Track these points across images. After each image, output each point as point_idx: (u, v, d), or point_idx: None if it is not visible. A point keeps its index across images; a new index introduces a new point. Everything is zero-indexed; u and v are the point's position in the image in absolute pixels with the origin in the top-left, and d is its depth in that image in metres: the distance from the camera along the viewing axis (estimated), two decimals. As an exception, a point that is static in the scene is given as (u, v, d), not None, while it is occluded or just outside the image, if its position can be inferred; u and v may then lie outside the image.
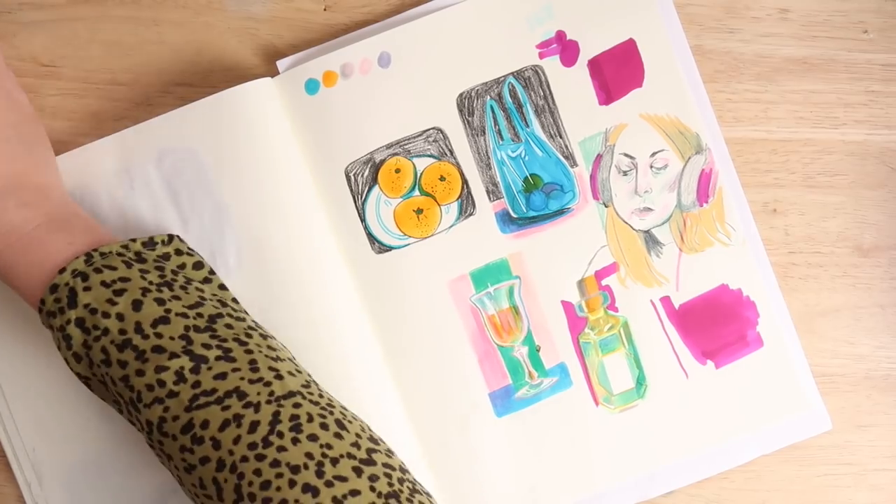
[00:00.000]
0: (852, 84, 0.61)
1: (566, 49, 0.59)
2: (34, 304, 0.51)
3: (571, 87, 0.59)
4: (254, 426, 0.47)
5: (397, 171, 0.59)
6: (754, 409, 0.59)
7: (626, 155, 0.59)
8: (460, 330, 0.59)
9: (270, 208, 0.58)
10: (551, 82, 0.59)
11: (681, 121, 0.59)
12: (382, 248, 0.59)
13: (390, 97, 0.59)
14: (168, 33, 0.60)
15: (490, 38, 0.59)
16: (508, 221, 0.59)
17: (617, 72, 0.59)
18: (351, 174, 0.59)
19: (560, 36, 0.60)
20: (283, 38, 0.60)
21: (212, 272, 0.54)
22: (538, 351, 0.59)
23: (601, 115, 0.59)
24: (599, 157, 0.60)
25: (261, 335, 0.52)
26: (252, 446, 0.47)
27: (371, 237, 0.59)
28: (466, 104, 0.59)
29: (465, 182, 0.59)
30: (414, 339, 0.59)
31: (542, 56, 0.59)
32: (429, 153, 0.59)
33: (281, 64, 0.60)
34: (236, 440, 0.47)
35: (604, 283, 0.59)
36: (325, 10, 0.60)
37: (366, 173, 0.59)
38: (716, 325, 0.59)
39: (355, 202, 0.59)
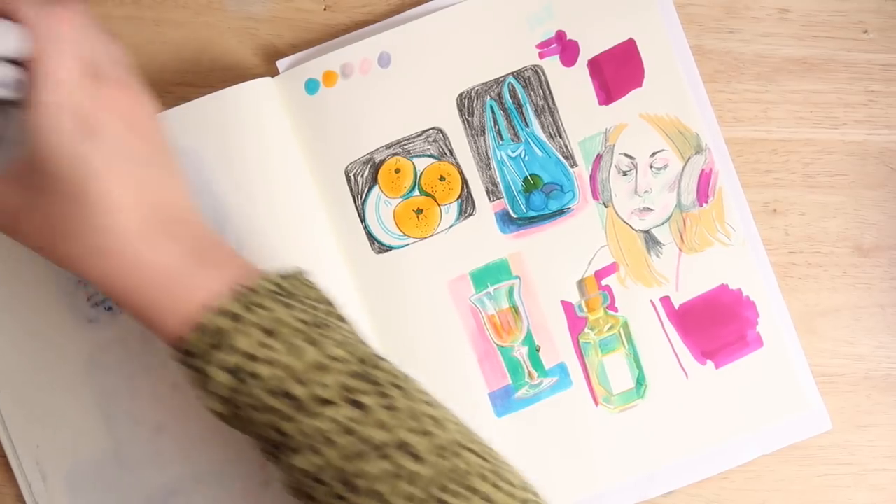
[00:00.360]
0: (852, 84, 0.61)
1: (566, 49, 0.59)
2: (171, 342, 0.48)
3: (571, 87, 0.59)
4: (416, 478, 0.45)
5: (397, 171, 0.59)
6: (754, 409, 0.59)
7: (626, 155, 0.60)
8: (460, 330, 0.59)
9: (270, 208, 0.58)
10: (551, 82, 0.59)
11: (681, 121, 0.59)
12: (382, 247, 0.59)
13: (390, 97, 0.59)
14: (168, 33, 0.60)
15: (490, 38, 0.59)
16: (508, 221, 0.59)
17: (617, 72, 0.59)
18: (351, 174, 0.59)
19: (560, 36, 0.60)
20: (283, 38, 0.60)
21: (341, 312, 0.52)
22: (538, 351, 0.59)
23: (601, 115, 0.59)
24: (599, 157, 0.60)
25: (406, 376, 0.49)
26: (411, 498, 0.45)
27: (371, 237, 0.59)
28: (466, 104, 0.59)
29: (464, 182, 0.59)
30: (414, 338, 0.59)
31: (542, 56, 0.60)
32: (429, 153, 0.59)
33: (281, 64, 0.60)
34: (398, 492, 0.45)
35: (603, 283, 0.59)
36: (325, 10, 0.60)
37: (366, 173, 0.59)
38: (716, 325, 0.59)
39: (355, 202, 0.59)
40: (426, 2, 0.60)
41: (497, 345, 0.59)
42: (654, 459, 0.59)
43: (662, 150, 0.59)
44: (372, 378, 0.47)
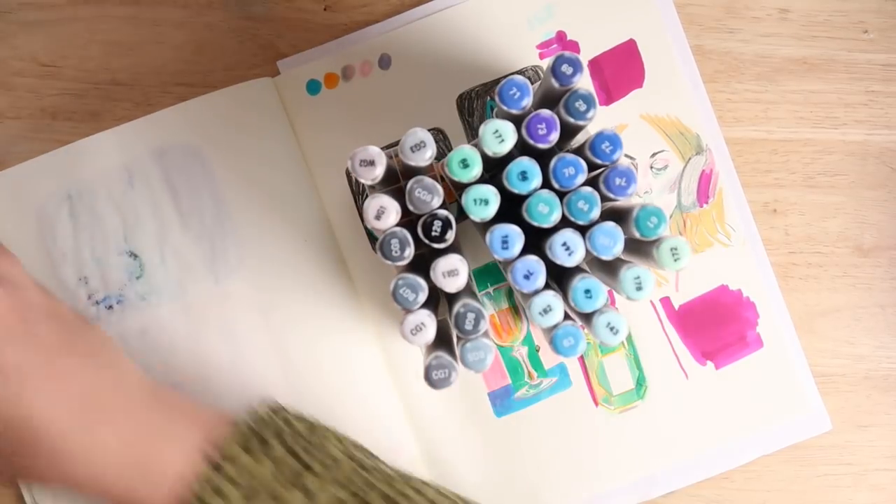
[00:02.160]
0: (852, 84, 0.61)
1: (566, 49, 0.59)
2: None
3: (571, 88, 0.59)
4: None
5: (397, 171, 0.59)
6: (754, 410, 0.59)
7: (627, 155, 0.59)
8: (460, 330, 0.59)
9: (271, 208, 0.58)
10: (551, 82, 0.59)
11: (681, 121, 0.59)
12: (382, 248, 0.59)
13: (391, 98, 0.59)
14: (168, 33, 0.60)
15: (490, 38, 0.59)
16: (508, 221, 0.59)
17: (617, 72, 0.59)
18: (351, 174, 0.59)
19: (560, 36, 0.59)
20: (284, 38, 0.60)
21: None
22: (538, 351, 0.59)
23: (601, 115, 0.59)
24: (599, 157, 0.60)
25: (409, 485, 0.49)
26: None
27: (371, 237, 0.59)
28: (466, 104, 0.59)
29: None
30: (414, 339, 0.59)
31: (542, 56, 0.59)
32: (429, 153, 0.59)
33: (282, 64, 0.60)
34: None
35: (604, 283, 0.59)
36: (325, 10, 0.60)
37: (366, 174, 0.59)
38: (716, 326, 0.59)
39: (356, 202, 0.59)
40: (426, 2, 0.60)
41: (497, 345, 0.59)
42: (655, 460, 0.59)
43: (663, 151, 0.59)
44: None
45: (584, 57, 0.59)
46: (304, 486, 0.47)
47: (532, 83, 0.59)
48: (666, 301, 0.59)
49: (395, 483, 0.48)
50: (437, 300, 0.50)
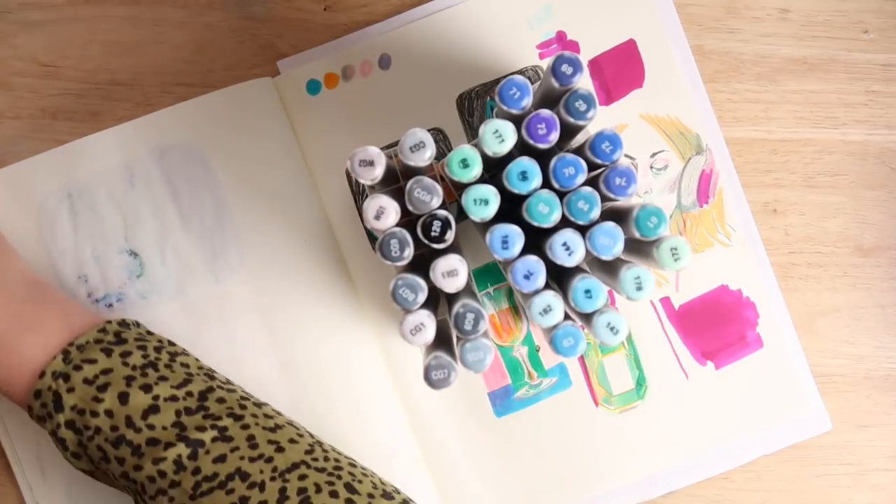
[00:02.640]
0: (852, 84, 0.61)
1: (566, 49, 0.59)
2: (24, 408, 0.51)
3: (571, 88, 0.59)
4: None
5: (397, 171, 0.59)
6: (754, 410, 0.59)
7: (627, 155, 0.59)
8: (460, 330, 0.59)
9: (271, 208, 0.58)
10: (551, 82, 0.59)
11: (681, 121, 0.59)
12: (382, 248, 0.59)
13: (391, 98, 0.59)
14: (168, 33, 0.60)
15: (490, 38, 0.59)
16: (508, 221, 0.59)
17: (617, 72, 0.59)
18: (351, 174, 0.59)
19: (560, 36, 0.59)
20: (283, 38, 0.60)
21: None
22: (538, 351, 0.59)
23: (601, 115, 0.59)
24: (599, 157, 0.59)
25: (255, 404, 0.51)
26: None
27: (371, 237, 0.59)
28: (466, 104, 0.59)
29: (465, 182, 0.59)
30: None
31: (542, 56, 0.59)
32: (429, 153, 0.59)
33: (282, 64, 0.60)
34: None
35: (604, 283, 0.59)
36: (325, 10, 0.60)
37: (366, 174, 0.59)
38: (716, 326, 0.59)
39: (356, 202, 0.59)
40: (426, 2, 0.60)
41: (497, 345, 0.59)
42: (655, 460, 0.59)
43: (663, 151, 0.59)
44: (208, 411, 0.48)
45: (584, 57, 0.59)
46: (149, 385, 0.49)
47: (532, 83, 0.59)
48: (666, 301, 0.59)
49: (240, 398, 0.51)
50: (437, 300, 0.50)
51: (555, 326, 0.46)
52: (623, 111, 0.59)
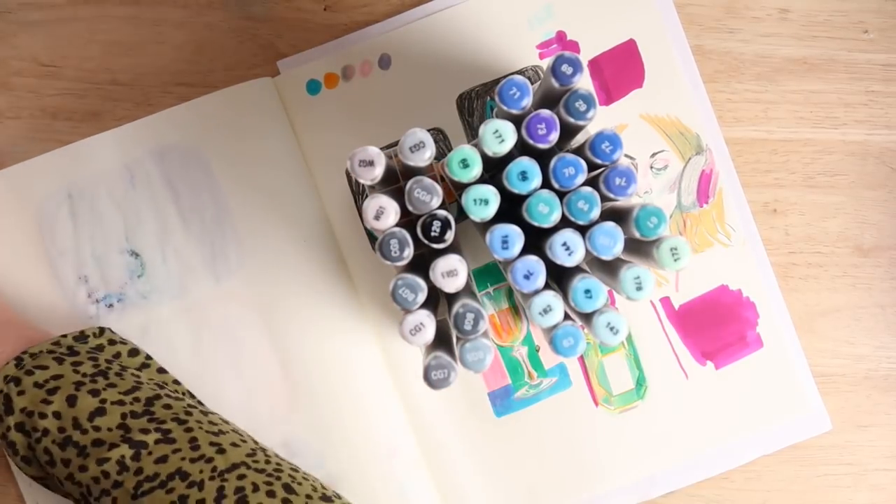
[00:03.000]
0: (852, 84, 0.61)
1: (566, 49, 0.59)
2: None
3: (571, 88, 0.59)
4: None
5: (397, 171, 0.59)
6: (754, 410, 0.59)
7: (627, 155, 0.59)
8: (460, 330, 0.59)
9: (271, 208, 0.58)
10: (551, 82, 0.59)
11: (681, 121, 0.59)
12: (382, 248, 0.59)
13: (391, 98, 0.59)
14: (168, 33, 0.60)
15: (490, 38, 0.59)
16: (508, 221, 0.59)
17: (617, 72, 0.59)
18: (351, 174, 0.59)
19: (560, 36, 0.59)
20: (283, 38, 0.60)
21: (149, 357, 0.55)
22: (538, 351, 0.59)
23: (601, 115, 0.59)
24: (599, 157, 0.59)
25: (201, 412, 0.52)
26: None
27: (371, 237, 0.59)
28: (466, 104, 0.59)
29: (465, 182, 0.59)
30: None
31: (542, 56, 0.59)
32: (429, 153, 0.59)
33: (282, 64, 0.60)
34: None
35: (604, 283, 0.59)
36: (325, 10, 0.60)
37: (366, 174, 0.59)
38: (716, 326, 0.59)
39: (355, 202, 0.59)
40: (426, 2, 0.60)
41: (497, 345, 0.59)
42: (655, 460, 0.59)
43: (663, 151, 0.59)
44: (153, 416, 0.50)
45: (584, 57, 0.59)
46: (97, 390, 0.50)
47: (532, 83, 0.59)
48: (666, 301, 0.59)
49: (188, 405, 0.52)
50: (437, 300, 0.50)
51: (555, 326, 0.46)
52: (623, 111, 0.59)
